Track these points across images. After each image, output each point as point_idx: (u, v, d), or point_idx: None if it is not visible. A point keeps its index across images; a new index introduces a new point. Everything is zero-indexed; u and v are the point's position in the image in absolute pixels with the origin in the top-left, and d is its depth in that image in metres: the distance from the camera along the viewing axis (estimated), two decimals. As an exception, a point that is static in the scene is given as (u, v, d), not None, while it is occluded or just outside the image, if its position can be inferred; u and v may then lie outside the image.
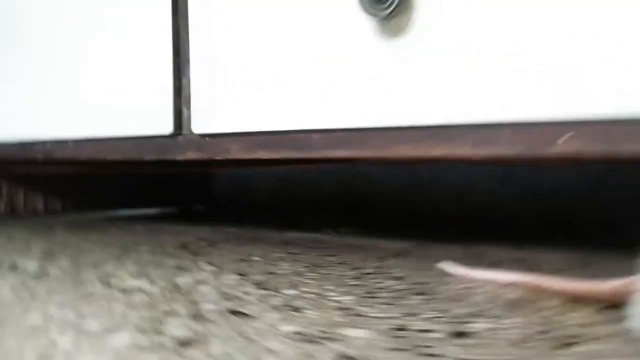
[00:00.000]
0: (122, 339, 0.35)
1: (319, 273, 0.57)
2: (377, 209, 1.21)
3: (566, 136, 0.49)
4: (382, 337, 0.36)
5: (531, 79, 0.51)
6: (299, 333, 0.36)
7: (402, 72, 0.58)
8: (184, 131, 0.76)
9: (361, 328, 0.37)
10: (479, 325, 0.38)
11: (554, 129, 0.50)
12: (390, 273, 0.57)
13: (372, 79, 0.60)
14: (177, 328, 0.37)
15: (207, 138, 0.74)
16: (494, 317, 0.40)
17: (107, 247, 0.73)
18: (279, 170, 1.38)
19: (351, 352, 0.33)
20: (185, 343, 0.34)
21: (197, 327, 0.38)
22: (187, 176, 1.44)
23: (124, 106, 0.82)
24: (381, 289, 0.50)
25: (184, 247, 0.74)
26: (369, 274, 0.57)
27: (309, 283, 0.52)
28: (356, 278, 0.54)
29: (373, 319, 0.40)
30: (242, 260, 0.64)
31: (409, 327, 0.38)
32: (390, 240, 0.80)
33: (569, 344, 0.34)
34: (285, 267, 0.60)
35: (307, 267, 0.60)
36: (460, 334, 0.36)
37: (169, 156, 0.78)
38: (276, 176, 1.39)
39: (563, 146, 0.50)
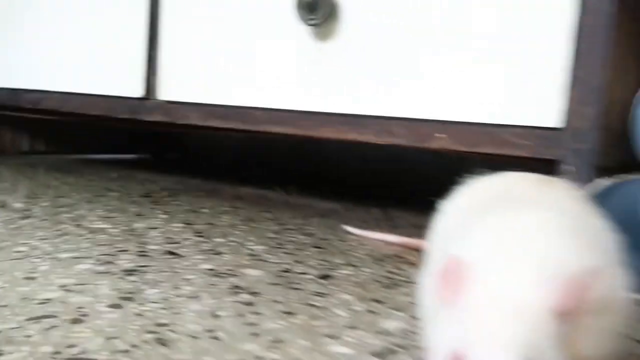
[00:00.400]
0: (85, 266, 0.49)
1: (249, 226, 0.71)
2: (329, 174, 1.35)
3: (439, 134, 0.64)
4: (269, 276, 0.50)
5: (417, 84, 0.65)
6: (211, 270, 0.51)
7: (328, 69, 0.71)
8: (152, 96, 0.89)
9: (258, 269, 0.52)
10: (343, 271, 0.53)
11: (432, 126, 0.64)
12: (306, 229, 0.72)
13: (306, 72, 0.73)
14: (126, 262, 0.52)
15: (171, 104, 0.87)
16: (359, 266, 0.55)
17: (83, 191, 0.87)
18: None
19: (242, 284, 0.47)
20: (129, 272, 0.49)
21: (141, 261, 0.52)
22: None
23: (104, 69, 0.94)
24: (290, 241, 0.64)
25: (147, 195, 0.88)
26: (289, 229, 0.71)
27: (237, 234, 0.66)
28: (276, 232, 0.69)
29: (270, 263, 0.55)
30: (193, 211, 0.79)
31: (292, 270, 0.53)
32: (326, 201, 0.95)
33: (395, 286, 0.49)
34: (225, 219, 0.75)
35: (243, 220, 0.75)
36: (325, 276, 0.51)
37: (138, 116, 0.91)
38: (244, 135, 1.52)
39: (437, 141, 0.64)
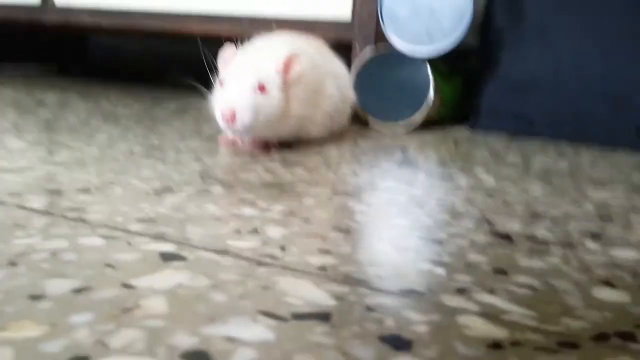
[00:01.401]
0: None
1: (114, 118, 0.91)
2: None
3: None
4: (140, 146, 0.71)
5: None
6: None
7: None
8: (49, 4, 1.05)
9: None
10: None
11: (267, 22, 0.85)
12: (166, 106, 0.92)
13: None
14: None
15: (65, 8, 1.03)
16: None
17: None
18: (143, 41, 1.66)
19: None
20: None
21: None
22: (66, 40, 1.69)
23: (2, -24, 1.08)
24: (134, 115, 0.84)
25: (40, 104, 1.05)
26: (144, 120, 0.91)
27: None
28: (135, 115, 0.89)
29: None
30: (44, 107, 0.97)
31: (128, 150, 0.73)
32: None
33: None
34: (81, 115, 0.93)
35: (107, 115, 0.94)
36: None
37: (37, 17, 1.06)
38: (142, 46, 1.68)
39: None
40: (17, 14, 1.08)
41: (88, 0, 1.00)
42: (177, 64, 1.57)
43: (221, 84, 0.53)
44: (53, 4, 1.04)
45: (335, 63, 0.66)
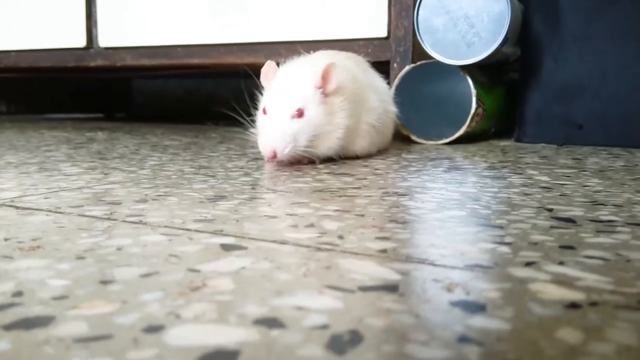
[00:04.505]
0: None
1: (162, 147, 0.93)
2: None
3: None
4: (144, 176, 0.72)
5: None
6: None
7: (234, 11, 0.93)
8: (94, 45, 1.09)
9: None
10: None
11: (309, 45, 0.87)
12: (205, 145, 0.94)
13: (209, 16, 0.95)
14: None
15: (109, 50, 1.07)
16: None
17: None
18: (183, 83, 1.71)
19: (114, 192, 0.69)
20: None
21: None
22: (111, 89, 1.75)
23: (51, 26, 1.13)
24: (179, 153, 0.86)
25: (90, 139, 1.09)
26: (191, 147, 0.93)
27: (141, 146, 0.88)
28: (183, 148, 0.91)
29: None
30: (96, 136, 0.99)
31: (168, 168, 0.75)
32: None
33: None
34: (142, 150, 0.96)
35: (155, 145, 0.96)
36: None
37: (84, 63, 1.11)
38: (181, 88, 1.73)
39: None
40: (64, 59, 1.13)
41: (131, 39, 1.04)
42: (217, 103, 1.61)
43: (264, 111, 0.54)
44: (98, 45, 1.09)
45: (375, 77, 0.66)
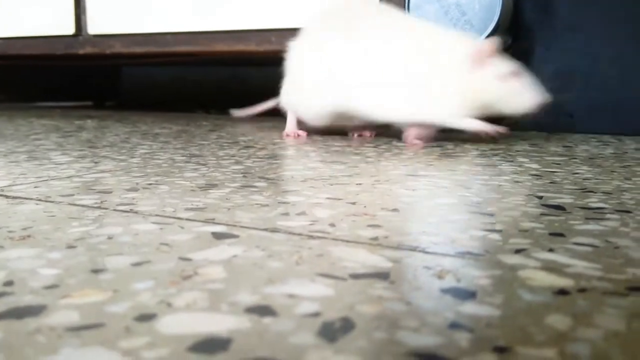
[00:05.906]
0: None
1: (153, 135, 0.93)
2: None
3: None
4: (134, 164, 0.72)
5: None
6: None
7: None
8: (83, 32, 1.08)
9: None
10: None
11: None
12: (200, 124, 0.93)
13: (199, 3, 0.94)
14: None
15: (98, 37, 1.06)
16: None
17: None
18: (173, 70, 1.70)
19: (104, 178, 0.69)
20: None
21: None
22: (100, 76, 1.74)
23: (40, 13, 1.12)
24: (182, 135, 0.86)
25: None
26: (181, 135, 0.93)
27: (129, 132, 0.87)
28: (172, 136, 0.90)
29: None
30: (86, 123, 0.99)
31: (158, 157, 0.74)
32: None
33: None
34: (133, 138, 0.95)
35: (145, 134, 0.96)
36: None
37: (73, 50, 1.10)
38: (171, 75, 1.72)
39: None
40: (53, 46, 1.12)
41: (120, 26, 1.03)
42: (206, 92, 1.60)
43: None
44: (87, 32, 1.08)
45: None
